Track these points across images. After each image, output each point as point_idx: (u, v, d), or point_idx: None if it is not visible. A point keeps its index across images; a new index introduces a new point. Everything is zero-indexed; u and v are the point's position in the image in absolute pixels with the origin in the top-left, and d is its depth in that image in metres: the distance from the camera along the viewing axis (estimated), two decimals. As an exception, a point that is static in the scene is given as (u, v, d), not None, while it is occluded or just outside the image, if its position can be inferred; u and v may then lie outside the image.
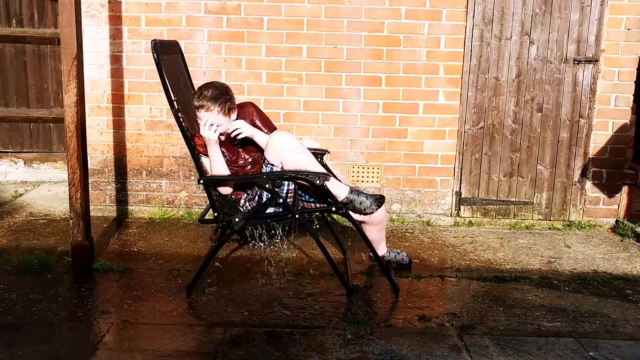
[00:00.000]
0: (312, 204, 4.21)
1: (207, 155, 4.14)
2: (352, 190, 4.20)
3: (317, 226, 4.69)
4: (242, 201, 4.24)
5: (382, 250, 4.48)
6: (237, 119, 4.21)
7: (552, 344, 3.53)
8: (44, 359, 3.22)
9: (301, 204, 4.19)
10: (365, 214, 4.20)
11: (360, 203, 4.17)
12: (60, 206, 6.08)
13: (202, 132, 4.03)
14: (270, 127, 4.39)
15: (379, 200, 4.22)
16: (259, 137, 4.22)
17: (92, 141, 5.61)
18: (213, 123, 4.02)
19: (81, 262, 4.46)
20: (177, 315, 3.78)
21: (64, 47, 4.22)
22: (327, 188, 4.04)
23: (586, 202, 5.87)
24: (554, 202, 5.85)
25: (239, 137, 4.17)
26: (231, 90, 4.19)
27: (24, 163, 7.12)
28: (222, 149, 4.19)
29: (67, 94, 4.27)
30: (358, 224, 4.19)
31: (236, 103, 4.25)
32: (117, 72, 5.66)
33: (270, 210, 4.14)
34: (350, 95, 5.68)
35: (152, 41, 3.99)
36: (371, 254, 4.31)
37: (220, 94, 4.08)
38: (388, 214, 5.75)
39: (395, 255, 4.60)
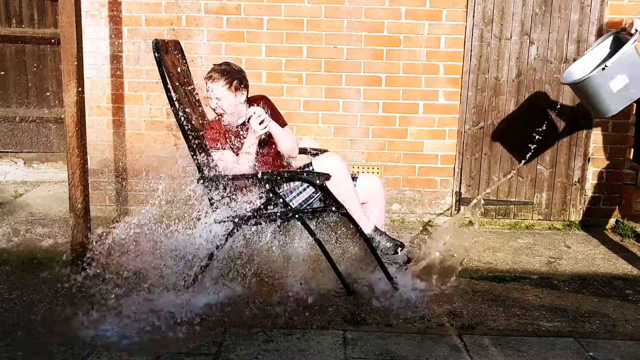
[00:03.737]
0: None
1: (217, 149, 4.17)
2: (376, 229, 4.32)
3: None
4: (243, 201, 4.24)
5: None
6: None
7: (552, 344, 3.52)
8: (43, 359, 3.22)
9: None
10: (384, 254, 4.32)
11: (379, 242, 4.29)
12: (60, 206, 6.07)
13: (251, 120, 4.08)
14: (281, 123, 4.43)
15: (400, 245, 4.34)
16: (274, 129, 4.28)
17: (92, 141, 5.58)
18: (261, 115, 4.09)
19: (81, 262, 4.44)
20: (177, 315, 3.77)
21: (64, 47, 4.22)
22: (328, 189, 4.05)
23: (586, 202, 5.87)
24: (554, 202, 5.85)
25: (260, 125, 4.12)
26: (245, 74, 4.27)
27: (24, 163, 7.11)
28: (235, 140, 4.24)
29: (67, 94, 4.26)
30: (358, 225, 4.18)
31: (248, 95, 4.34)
32: (117, 72, 5.65)
33: (270, 210, 4.13)
34: (350, 95, 5.68)
35: (153, 40, 3.99)
36: (369, 248, 4.29)
37: (232, 71, 4.20)
38: (388, 214, 5.74)
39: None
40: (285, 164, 4.45)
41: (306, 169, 4.15)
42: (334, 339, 3.50)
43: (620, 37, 4.36)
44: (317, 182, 4.00)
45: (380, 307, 3.98)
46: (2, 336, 3.44)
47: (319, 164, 4.14)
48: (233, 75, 4.17)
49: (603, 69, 4.07)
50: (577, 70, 4.49)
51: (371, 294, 4.19)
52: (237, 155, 4.22)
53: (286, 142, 4.35)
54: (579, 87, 4.24)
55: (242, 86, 4.22)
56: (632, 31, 4.12)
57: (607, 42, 4.51)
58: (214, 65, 4.26)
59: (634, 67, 4.13)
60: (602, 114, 4.32)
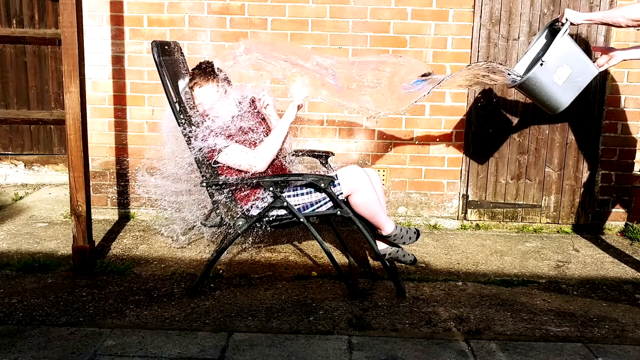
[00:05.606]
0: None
1: (224, 146, 4.07)
2: (397, 226, 4.29)
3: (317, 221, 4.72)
4: (247, 205, 4.19)
5: (385, 230, 4.33)
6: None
7: (560, 349, 3.48)
8: None
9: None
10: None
11: (402, 237, 4.27)
12: (61, 209, 6.05)
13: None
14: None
15: (417, 232, 4.38)
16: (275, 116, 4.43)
17: (94, 143, 5.57)
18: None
19: (82, 266, 4.42)
20: (180, 320, 3.73)
21: (65, 48, 4.18)
22: (332, 192, 4.01)
23: (595, 205, 5.81)
24: (563, 205, 5.79)
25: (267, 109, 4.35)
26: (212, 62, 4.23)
27: (24, 165, 7.09)
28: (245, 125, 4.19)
29: (68, 95, 4.23)
30: (363, 228, 4.13)
31: None
32: (118, 73, 5.61)
33: (274, 213, 4.09)
34: (355, 96, 5.62)
35: (152, 42, 3.96)
36: (375, 253, 4.24)
37: (208, 69, 4.15)
38: (394, 217, 5.69)
39: (397, 251, 4.50)
40: (283, 163, 4.40)
41: (319, 174, 4.13)
42: (339, 344, 3.46)
43: (555, 28, 4.31)
44: (322, 185, 3.96)
45: (386, 311, 3.93)
46: (3, 342, 3.39)
47: (344, 179, 4.12)
48: (213, 73, 4.12)
49: (541, 64, 4.01)
50: (521, 71, 4.42)
51: (377, 298, 4.14)
52: (253, 145, 4.17)
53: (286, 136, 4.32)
54: (524, 88, 4.16)
55: (224, 77, 4.18)
56: (563, 20, 4.07)
57: (544, 37, 4.44)
58: (191, 71, 4.21)
59: (573, 55, 4.08)
60: (555, 109, 4.23)
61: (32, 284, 4.25)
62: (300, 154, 4.83)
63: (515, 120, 5.67)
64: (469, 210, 5.83)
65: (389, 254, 4.34)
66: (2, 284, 4.22)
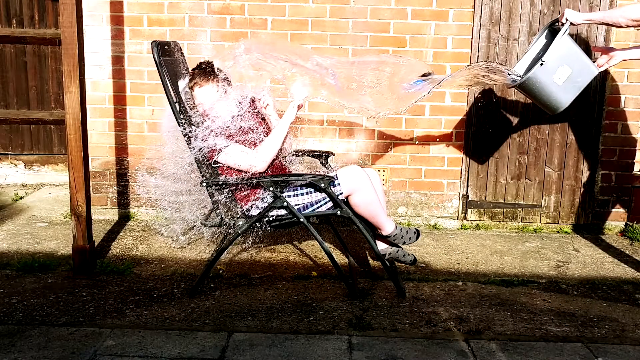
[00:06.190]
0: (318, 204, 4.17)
1: (224, 146, 4.07)
2: (396, 226, 4.29)
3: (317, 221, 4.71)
4: (247, 205, 4.18)
5: (386, 230, 4.31)
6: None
7: (560, 349, 3.48)
8: None
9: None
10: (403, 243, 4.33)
11: (402, 237, 4.27)
12: (61, 209, 6.04)
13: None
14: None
15: (417, 231, 4.37)
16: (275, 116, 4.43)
17: (94, 143, 5.56)
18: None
19: (82, 266, 4.41)
20: (180, 320, 3.73)
21: (65, 48, 4.18)
22: (332, 192, 4.01)
23: (595, 205, 5.80)
24: (562, 205, 5.79)
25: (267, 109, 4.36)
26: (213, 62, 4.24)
27: (24, 165, 7.08)
28: (244, 125, 4.17)
29: (68, 95, 4.23)
30: (363, 228, 4.12)
31: None
32: (118, 73, 5.61)
33: (274, 213, 4.09)
34: (355, 96, 5.61)
35: (152, 42, 3.96)
36: (375, 253, 4.24)
37: (209, 70, 4.15)
38: (394, 217, 5.69)
39: (397, 251, 4.49)
40: (283, 163, 4.40)
41: (318, 174, 4.12)
42: (339, 344, 3.45)
43: (554, 28, 4.30)
44: (322, 185, 3.96)
45: (386, 311, 3.92)
46: (3, 342, 3.39)
47: (344, 179, 4.11)
48: (213, 73, 4.12)
49: (541, 64, 4.01)
50: (521, 71, 4.41)
51: (377, 298, 4.14)
52: (253, 145, 4.16)
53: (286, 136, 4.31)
54: (524, 88, 4.16)
55: (224, 77, 4.18)
56: (563, 20, 4.07)
57: (544, 37, 4.44)
58: (191, 71, 4.20)
59: (573, 55, 4.08)
60: (555, 109, 4.23)
61: (32, 284, 4.25)
62: (300, 154, 4.83)
63: (515, 120, 5.67)
64: (469, 210, 5.83)
65: (389, 254, 4.34)
66: (2, 284, 4.22)
